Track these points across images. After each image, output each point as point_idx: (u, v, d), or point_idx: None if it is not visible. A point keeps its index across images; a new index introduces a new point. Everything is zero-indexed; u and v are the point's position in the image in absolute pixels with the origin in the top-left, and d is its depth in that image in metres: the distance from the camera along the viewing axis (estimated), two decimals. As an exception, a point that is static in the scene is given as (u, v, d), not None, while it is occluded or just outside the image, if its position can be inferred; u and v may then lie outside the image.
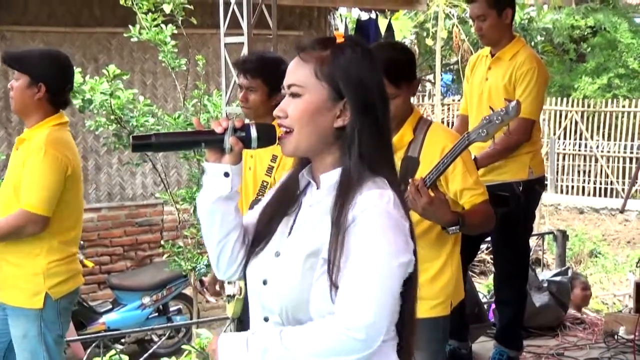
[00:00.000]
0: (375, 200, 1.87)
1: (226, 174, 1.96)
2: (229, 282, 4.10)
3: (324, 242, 1.89)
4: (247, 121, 2.06)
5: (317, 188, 2.02)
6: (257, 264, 2.03)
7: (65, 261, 3.82)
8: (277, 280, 1.95)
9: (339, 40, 1.96)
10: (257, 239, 2.05)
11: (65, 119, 3.89)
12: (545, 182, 6.78)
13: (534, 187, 4.56)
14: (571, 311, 6.11)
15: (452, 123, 16.47)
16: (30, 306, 3.73)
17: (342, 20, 10.25)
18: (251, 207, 3.74)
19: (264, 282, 1.98)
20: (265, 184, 3.81)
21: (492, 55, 4.55)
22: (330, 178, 1.97)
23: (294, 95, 1.95)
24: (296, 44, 1.99)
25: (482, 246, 7.55)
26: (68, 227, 3.82)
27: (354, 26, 10.04)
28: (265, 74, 3.76)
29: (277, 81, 3.76)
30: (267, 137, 1.96)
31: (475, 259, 8.38)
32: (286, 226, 2.03)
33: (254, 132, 1.95)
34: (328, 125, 1.94)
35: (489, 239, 4.98)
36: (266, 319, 1.99)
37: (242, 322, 4.26)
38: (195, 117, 7.19)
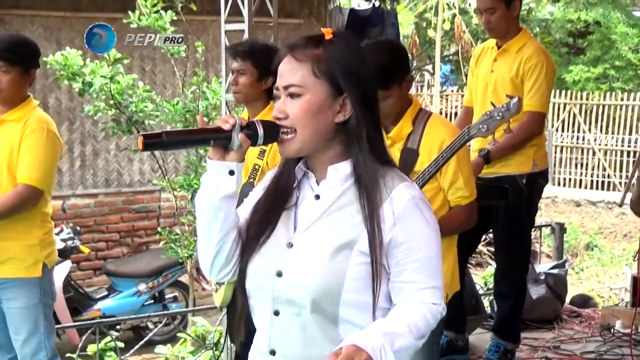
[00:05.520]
0: (412, 192, 1.96)
1: (231, 172, 1.92)
2: None
3: (358, 234, 1.91)
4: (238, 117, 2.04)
5: (318, 180, 2.00)
6: (263, 257, 1.99)
7: (52, 232, 4.05)
8: (298, 271, 1.94)
9: (328, 36, 1.96)
10: (254, 235, 2.02)
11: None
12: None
13: (538, 180, 4.55)
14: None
15: (451, 114, 16.48)
16: (31, 275, 3.88)
17: (340, 11, 10.14)
18: (242, 191, 3.72)
19: (278, 274, 1.96)
20: (257, 167, 3.77)
21: (498, 47, 4.52)
22: (341, 170, 1.97)
23: (293, 95, 1.93)
24: (286, 45, 1.97)
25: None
26: (49, 200, 4.03)
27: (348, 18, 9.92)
28: (255, 57, 3.81)
29: (267, 65, 3.80)
30: (272, 134, 1.95)
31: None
32: (288, 219, 2.01)
33: (260, 130, 1.93)
34: (329, 121, 1.94)
35: (490, 230, 4.96)
36: (276, 313, 1.97)
37: (228, 312, 4.21)
38: (194, 104, 7.19)
